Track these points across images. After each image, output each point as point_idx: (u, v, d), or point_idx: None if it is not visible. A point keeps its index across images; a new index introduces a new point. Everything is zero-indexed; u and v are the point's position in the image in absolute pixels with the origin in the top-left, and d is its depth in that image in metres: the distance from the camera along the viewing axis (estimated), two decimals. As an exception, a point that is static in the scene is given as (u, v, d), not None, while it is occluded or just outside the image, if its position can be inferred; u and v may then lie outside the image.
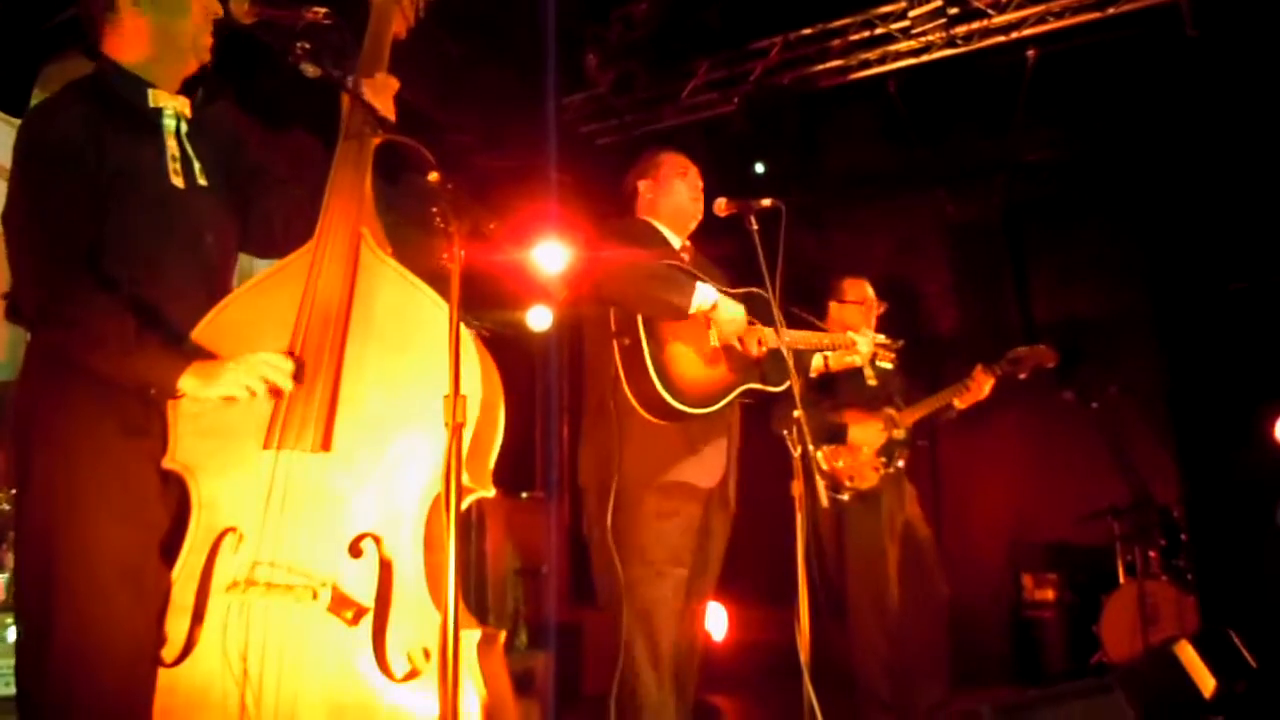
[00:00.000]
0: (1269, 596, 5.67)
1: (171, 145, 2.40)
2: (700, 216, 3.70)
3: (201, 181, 2.43)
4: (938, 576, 4.74)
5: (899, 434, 4.74)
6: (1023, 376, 4.87)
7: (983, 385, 4.78)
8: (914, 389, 4.97)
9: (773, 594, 3.97)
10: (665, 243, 3.63)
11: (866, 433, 4.68)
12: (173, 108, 2.42)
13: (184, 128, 2.44)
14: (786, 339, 3.37)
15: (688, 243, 3.71)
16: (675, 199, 3.68)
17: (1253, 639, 4.64)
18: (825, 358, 3.80)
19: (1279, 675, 4.53)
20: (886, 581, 4.60)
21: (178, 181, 2.38)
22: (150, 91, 2.40)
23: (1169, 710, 3.73)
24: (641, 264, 3.40)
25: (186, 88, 2.48)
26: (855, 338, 3.87)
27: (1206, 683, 4.03)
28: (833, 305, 4.94)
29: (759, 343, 3.50)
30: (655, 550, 3.32)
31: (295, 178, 2.64)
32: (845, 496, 4.61)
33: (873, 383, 4.83)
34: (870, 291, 4.92)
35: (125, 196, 2.28)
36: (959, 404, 4.84)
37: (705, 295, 3.37)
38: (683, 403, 3.28)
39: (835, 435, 4.67)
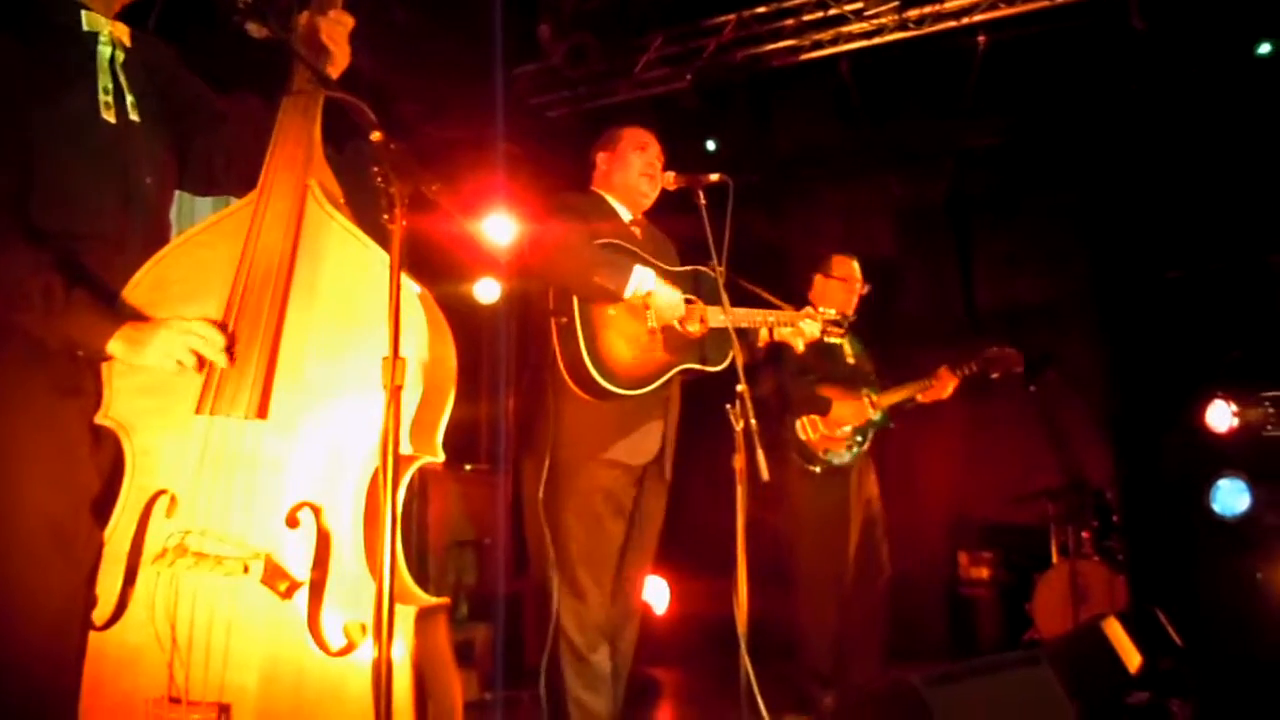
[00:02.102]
0: (1197, 577, 5.81)
1: (104, 76, 2.24)
2: (652, 192, 3.70)
3: (134, 117, 2.29)
4: (885, 557, 4.83)
5: (875, 415, 4.83)
6: (995, 377, 4.98)
7: (946, 385, 4.90)
8: (883, 372, 5.05)
9: (714, 567, 4.00)
10: (615, 216, 3.62)
11: (847, 411, 4.76)
12: (109, 34, 2.27)
13: (120, 57, 2.29)
14: (730, 319, 3.40)
15: (640, 217, 3.71)
16: (628, 173, 3.68)
17: (1180, 618, 4.75)
18: (770, 330, 3.84)
19: (1204, 653, 4.64)
20: (845, 556, 4.69)
21: (109, 116, 2.23)
22: (84, 14, 2.24)
23: (1095, 684, 3.81)
24: (580, 245, 3.38)
25: (127, 15, 2.33)
26: (808, 313, 3.89)
27: (1133, 659, 4.12)
28: (818, 278, 4.99)
29: (701, 321, 3.51)
30: (584, 525, 3.36)
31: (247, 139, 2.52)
32: (817, 469, 4.67)
33: (851, 361, 4.93)
34: (856, 270, 4.98)
35: (53, 134, 2.15)
36: (922, 398, 4.96)
37: (641, 279, 3.36)
38: (614, 384, 3.31)
39: (820, 408, 4.72)
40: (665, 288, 3.41)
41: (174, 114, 2.42)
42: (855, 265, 4.99)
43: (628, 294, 3.34)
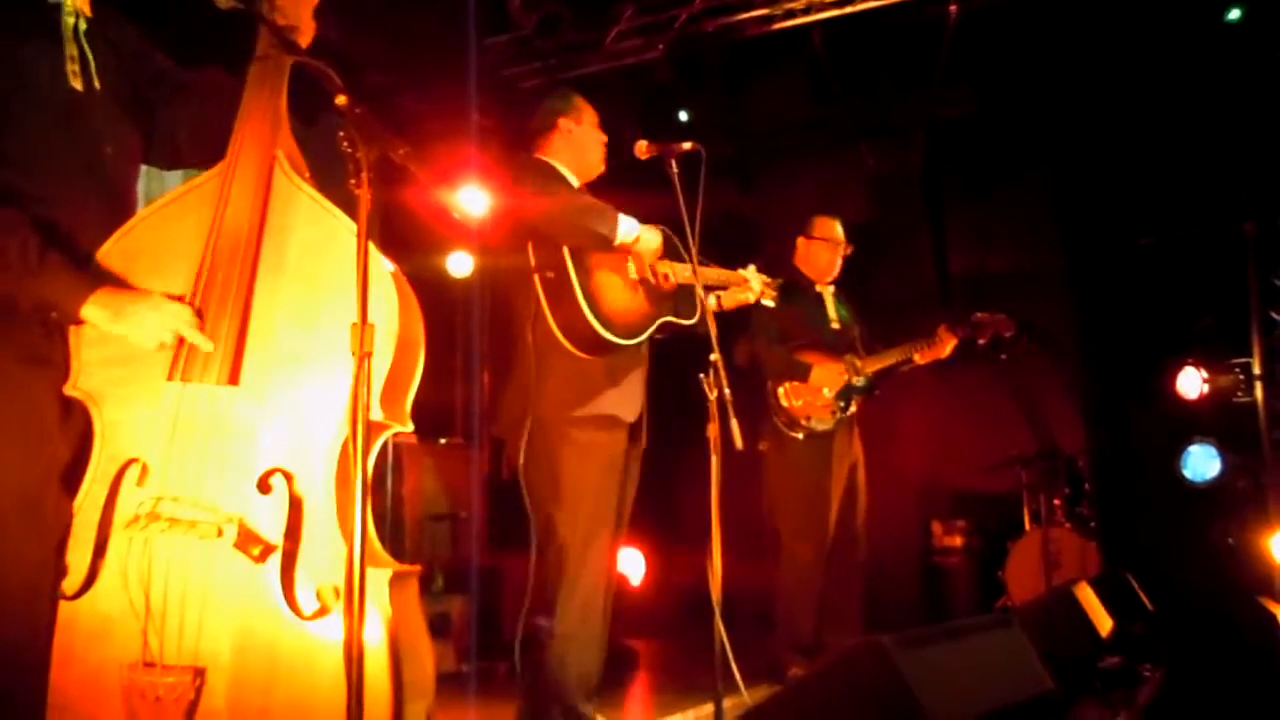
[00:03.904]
0: (1168, 543, 5.88)
1: (69, 45, 2.26)
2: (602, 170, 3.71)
3: (97, 85, 2.29)
4: (861, 527, 4.85)
5: (858, 380, 4.83)
6: (982, 342, 5.00)
7: (945, 344, 4.90)
8: (873, 337, 5.05)
9: (689, 536, 4.02)
10: (568, 183, 3.61)
11: (828, 375, 4.76)
12: (71, 4, 2.28)
13: (83, 26, 2.30)
14: (698, 277, 3.40)
15: (584, 188, 3.70)
16: (592, 150, 3.67)
17: (1151, 583, 4.80)
18: (718, 297, 3.84)
19: (1174, 618, 4.70)
20: (827, 523, 4.70)
21: (76, 84, 2.25)
22: None
23: (1067, 648, 3.84)
24: (568, 196, 3.41)
25: None
26: (746, 274, 3.90)
27: (1104, 623, 4.16)
28: (801, 240, 5.00)
29: (665, 277, 3.53)
30: (576, 486, 3.33)
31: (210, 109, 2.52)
32: (799, 435, 4.67)
33: (835, 326, 4.93)
34: (839, 230, 4.99)
35: (20, 100, 2.16)
36: (919, 359, 4.94)
37: (629, 226, 3.42)
38: (613, 333, 3.30)
39: (798, 374, 4.72)
40: (648, 231, 3.46)
41: (137, 88, 2.43)
42: (838, 226, 5.00)
43: (618, 239, 3.37)
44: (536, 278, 3.30)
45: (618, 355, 3.38)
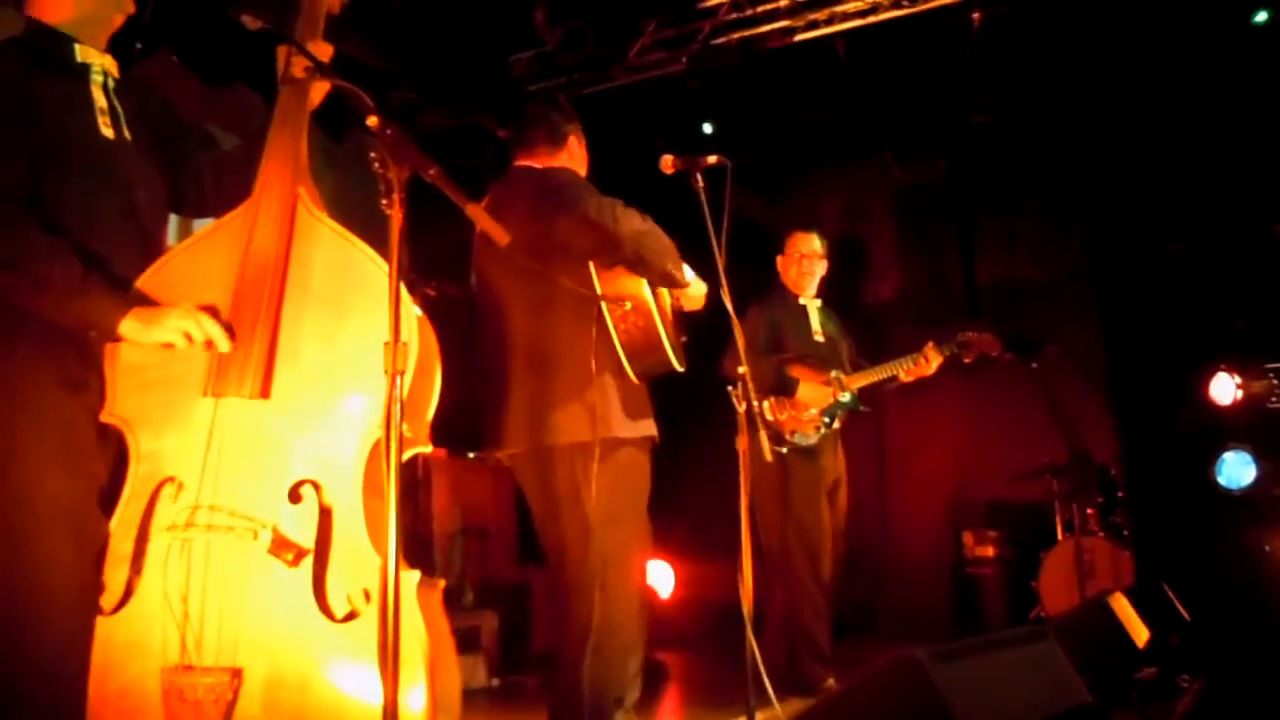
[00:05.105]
0: (1203, 551, 5.81)
1: (99, 97, 2.39)
2: None
3: (126, 134, 2.42)
4: (842, 539, 4.86)
5: (844, 397, 4.80)
6: (967, 361, 4.95)
7: (931, 362, 4.84)
8: (859, 352, 5.04)
9: (718, 549, 4.00)
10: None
11: (814, 391, 4.74)
12: (99, 64, 2.42)
13: (110, 83, 2.43)
14: (729, 296, 3.39)
15: None
16: (584, 167, 3.60)
17: (1186, 592, 4.75)
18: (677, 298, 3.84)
19: (1211, 628, 4.64)
20: (823, 535, 4.69)
21: (108, 132, 2.38)
22: (76, 47, 2.38)
23: (1103, 660, 3.81)
24: (659, 230, 3.32)
25: (115, 49, 2.47)
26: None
27: (1140, 634, 4.12)
28: (779, 259, 5.00)
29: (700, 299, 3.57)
30: (624, 504, 3.30)
31: (237, 132, 2.62)
32: (784, 450, 4.65)
33: (820, 338, 4.91)
34: (811, 246, 4.97)
35: (58, 149, 2.27)
36: (905, 376, 4.88)
37: (689, 270, 3.42)
38: (681, 363, 3.32)
39: (784, 388, 4.71)
40: (694, 277, 3.46)
41: (165, 140, 2.56)
42: (812, 241, 5.00)
43: (683, 283, 3.39)
44: (605, 307, 3.25)
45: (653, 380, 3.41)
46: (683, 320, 3.59)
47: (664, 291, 3.46)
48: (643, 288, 3.30)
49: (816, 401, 4.73)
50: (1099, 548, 5.92)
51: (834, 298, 5.15)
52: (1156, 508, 6.22)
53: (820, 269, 5.01)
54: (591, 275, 3.27)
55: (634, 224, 3.24)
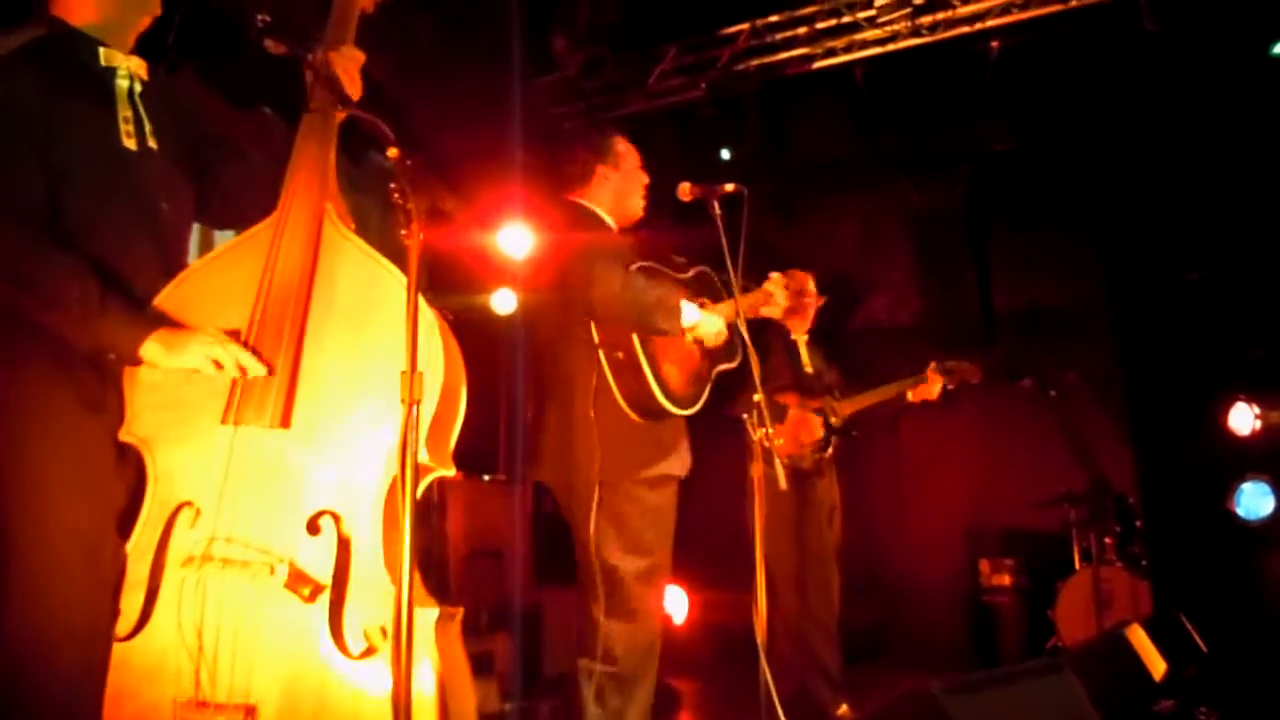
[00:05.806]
0: (1221, 582, 5.76)
1: (124, 106, 2.33)
2: (640, 215, 3.70)
3: (152, 144, 2.36)
4: (839, 547, 4.87)
5: (835, 422, 4.85)
6: (950, 388, 5.00)
7: (934, 384, 4.90)
8: (849, 381, 5.07)
9: (732, 576, 4.00)
10: (608, 228, 3.58)
11: (805, 417, 4.78)
12: (126, 68, 2.35)
13: (138, 88, 2.37)
14: (744, 323, 3.40)
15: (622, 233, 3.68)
16: (632, 194, 3.64)
17: (1204, 624, 4.71)
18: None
19: (1229, 659, 4.60)
20: (829, 560, 4.69)
21: (130, 144, 2.32)
22: (102, 51, 2.33)
23: (1120, 692, 3.78)
24: (640, 288, 3.34)
25: (142, 49, 2.42)
26: (770, 288, 3.82)
27: (1157, 665, 4.09)
28: None
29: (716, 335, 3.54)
30: (645, 541, 3.33)
31: (259, 153, 2.59)
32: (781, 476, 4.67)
33: (809, 369, 4.95)
34: (810, 286, 4.99)
35: (77, 159, 2.22)
36: (912, 397, 4.96)
37: (690, 315, 3.37)
38: (679, 406, 3.33)
39: (776, 415, 4.73)
40: (707, 317, 3.42)
41: (194, 149, 2.50)
42: (810, 283, 5.00)
43: (681, 331, 3.37)
44: (601, 355, 3.30)
45: (675, 419, 3.41)
46: (725, 351, 3.57)
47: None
48: (633, 337, 3.32)
49: (807, 424, 4.76)
50: (1117, 577, 5.89)
51: (848, 322, 5.16)
52: (1174, 538, 6.18)
53: (814, 307, 5.04)
54: (588, 327, 3.34)
55: (609, 287, 3.26)
